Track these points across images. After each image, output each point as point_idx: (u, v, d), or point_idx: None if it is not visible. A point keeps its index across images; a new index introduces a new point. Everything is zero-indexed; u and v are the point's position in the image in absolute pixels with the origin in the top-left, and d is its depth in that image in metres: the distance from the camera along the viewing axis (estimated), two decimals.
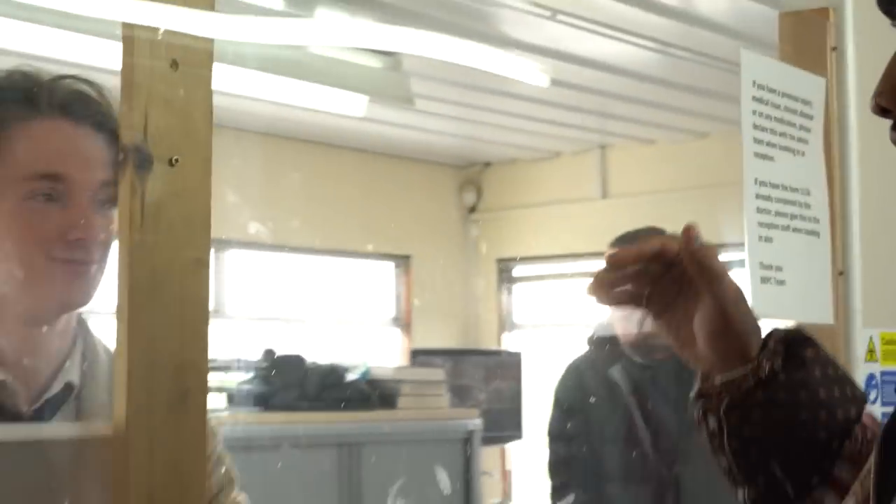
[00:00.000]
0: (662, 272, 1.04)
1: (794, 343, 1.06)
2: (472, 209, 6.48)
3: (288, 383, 4.18)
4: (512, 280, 6.49)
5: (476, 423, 4.54)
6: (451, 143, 5.71)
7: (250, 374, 4.21)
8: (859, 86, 1.75)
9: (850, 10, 1.77)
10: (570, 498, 3.21)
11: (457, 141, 5.68)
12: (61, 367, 1.32)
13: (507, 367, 5.45)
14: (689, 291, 1.05)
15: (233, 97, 4.34)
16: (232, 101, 4.50)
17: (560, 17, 3.70)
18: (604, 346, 3.23)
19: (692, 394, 1.10)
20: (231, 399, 4.39)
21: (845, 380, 1.08)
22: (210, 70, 1.02)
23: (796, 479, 1.05)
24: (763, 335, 1.07)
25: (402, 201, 6.01)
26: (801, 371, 1.05)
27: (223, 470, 1.52)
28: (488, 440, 5.13)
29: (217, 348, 3.66)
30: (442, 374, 4.64)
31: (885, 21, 0.85)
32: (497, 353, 5.76)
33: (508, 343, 6.20)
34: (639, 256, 1.03)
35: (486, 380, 5.35)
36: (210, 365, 3.51)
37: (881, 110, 0.87)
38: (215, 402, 4.51)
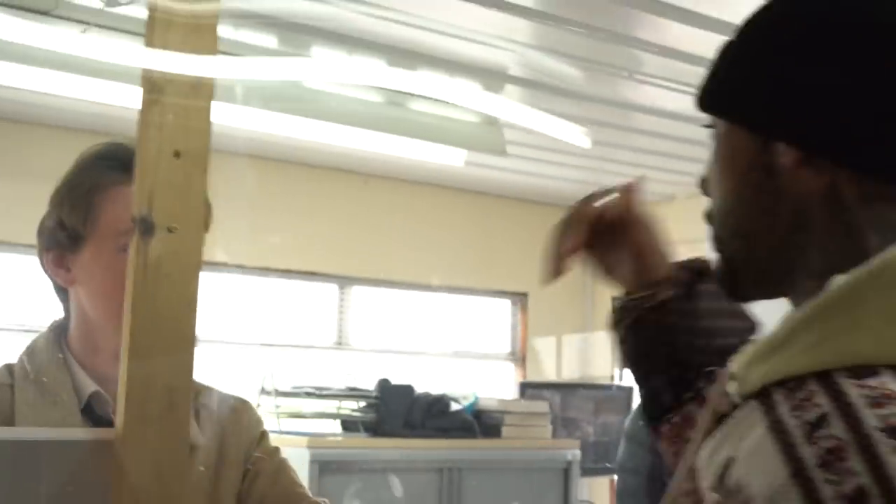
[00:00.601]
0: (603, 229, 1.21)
1: (696, 273, 1.20)
2: None
3: (395, 411, 4.45)
4: None
5: (576, 453, 4.69)
6: (568, 185, 5.89)
7: (363, 403, 4.47)
8: None
9: None
10: None
11: (575, 183, 5.86)
12: None
13: (616, 400, 5.57)
14: (620, 235, 1.20)
15: (355, 149, 4.63)
16: (354, 152, 4.82)
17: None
18: None
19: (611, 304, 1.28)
20: (345, 425, 4.67)
21: (734, 313, 1.19)
22: (206, 157, 1.26)
23: (672, 393, 1.18)
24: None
25: (519, 240, 6.21)
26: (690, 301, 1.18)
27: (268, 442, 1.76)
28: (594, 471, 5.25)
29: (335, 377, 3.97)
30: (546, 407, 4.80)
31: None
32: (608, 387, 5.84)
33: (621, 378, 6.28)
34: (588, 228, 1.20)
35: (594, 413, 5.48)
36: (327, 393, 3.88)
37: (703, 192, 1.01)
38: (330, 427, 4.81)
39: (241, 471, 1.69)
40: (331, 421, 4.89)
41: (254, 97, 3.59)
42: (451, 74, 3.68)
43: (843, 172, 0.86)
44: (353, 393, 4.50)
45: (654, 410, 1.23)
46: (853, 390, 0.76)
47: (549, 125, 4.15)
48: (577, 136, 4.28)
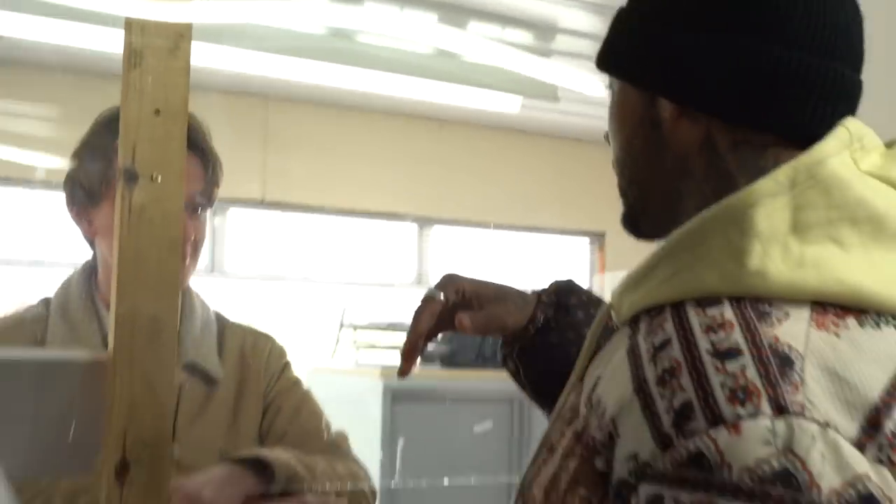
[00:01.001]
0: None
1: (561, 293, 1.30)
2: None
3: (468, 343, 4.61)
4: None
5: None
6: None
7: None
8: None
9: None
10: None
11: None
12: None
13: None
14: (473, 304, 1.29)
15: (426, 99, 4.73)
16: (426, 101, 4.93)
17: None
18: None
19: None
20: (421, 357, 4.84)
21: None
22: (185, 113, 1.39)
23: None
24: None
25: (597, 180, 6.22)
26: (567, 316, 1.27)
27: (290, 374, 1.81)
28: None
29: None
30: None
31: None
32: None
33: None
34: (425, 336, 1.30)
35: None
36: (402, 326, 4.07)
37: (608, 142, 1.09)
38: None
39: (262, 405, 1.74)
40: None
41: (313, 51, 3.69)
42: (502, 27, 3.74)
43: (716, 123, 0.94)
44: None
45: None
46: (694, 318, 0.84)
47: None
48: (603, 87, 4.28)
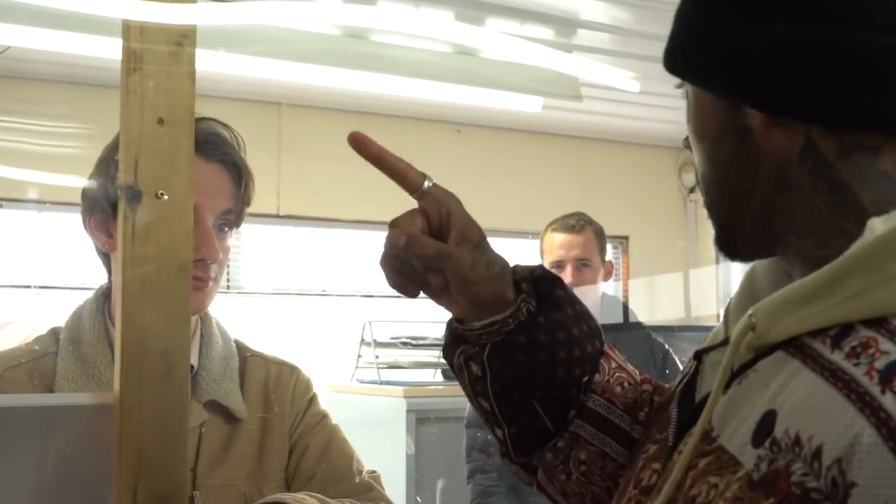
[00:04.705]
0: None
1: (543, 282, 1.09)
2: (692, 189, 6.48)
3: None
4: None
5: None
6: (670, 126, 5.79)
7: None
8: None
9: None
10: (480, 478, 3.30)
11: (676, 124, 5.77)
12: None
13: None
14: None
15: (444, 100, 4.61)
16: (443, 102, 4.82)
17: None
18: None
19: (444, 340, 1.12)
20: (445, 373, 4.74)
21: (587, 315, 1.11)
22: (191, 122, 1.26)
23: (556, 415, 1.07)
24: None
25: (619, 184, 6.14)
26: (556, 311, 1.07)
27: (317, 409, 1.72)
28: None
29: (436, 327, 4.03)
30: None
31: None
32: (711, 328, 5.76)
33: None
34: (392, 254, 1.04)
35: None
36: (424, 342, 3.95)
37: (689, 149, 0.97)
38: (431, 376, 4.87)
39: (288, 444, 1.66)
40: (430, 370, 4.94)
41: (326, 55, 3.61)
42: (521, 23, 3.65)
43: (816, 128, 0.83)
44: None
45: (532, 441, 1.10)
46: None
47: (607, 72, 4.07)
48: (628, 81, 4.19)
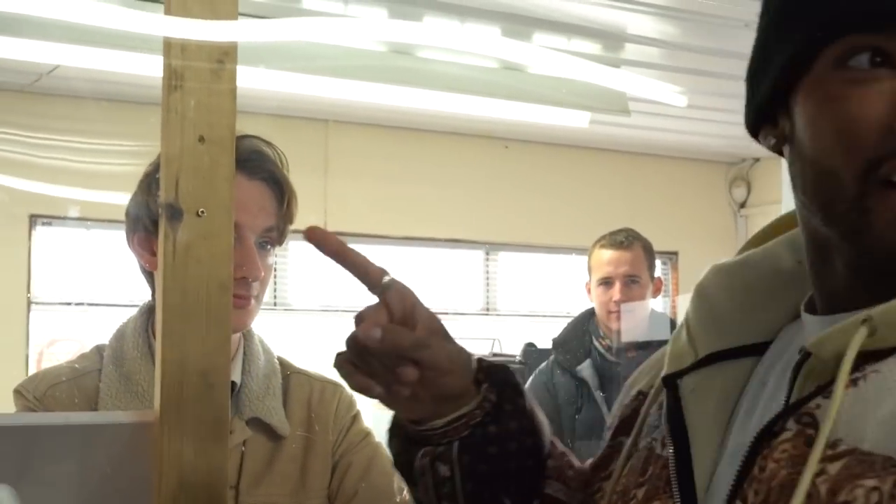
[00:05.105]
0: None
1: (496, 370, 1.02)
2: (743, 205, 6.44)
3: None
4: None
5: None
6: (720, 141, 5.74)
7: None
8: None
9: None
10: None
11: (726, 139, 5.72)
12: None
13: None
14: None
15: (490, 116, 4.62)
16: (490, 118, 4.83)
17: None
18: (569, 345, 3.28)
19: (394, 447, 1.06)
20: None
21: (535, 407, 1.05)
22: (232, 140, 1.26)
23: None
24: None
25: (668, 199, 6.09)
26: (518, 397, 1.02)
27: (360, 427, 1.71)
28: None
29: (482, 343, 4.00)
30: None
31: None
32: None
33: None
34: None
35: None
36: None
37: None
38: None
39: (331, 461, 1.65)
40: None
41: (371, 71, 3.62)
42: (568, 38, 3.63)
43: None
44: (497, 358, 4.50)
45: None
46: None
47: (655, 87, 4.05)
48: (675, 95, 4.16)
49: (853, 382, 0.79)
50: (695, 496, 0.86)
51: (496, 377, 1.01)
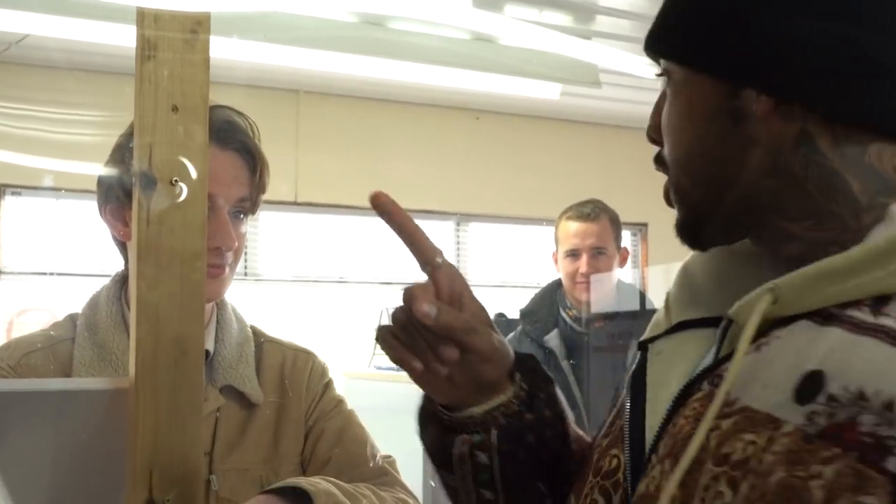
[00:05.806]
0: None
1: (525, 359, 1.05)
2: None
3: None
4: None
5: None
6: None
7: None
8: None
9: None
10: None
11: None
12: None
13: None
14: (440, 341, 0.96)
15: (461, 87, 4.61)
16: (461, 89, 4.82)
17: None
18: (537, 315, 3.30)
19: (429, 434, 1.06)
20: None
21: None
22: (205, 110, 1.27)
23: (557, 492, 1.05)
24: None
25: (637, 171, 6.11)
26: (550, 385, 1.05)
27: (333, 394, 1.72)
28: None
29: None
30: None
31: None
32: None
33: None
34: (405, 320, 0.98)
35: None
36: None
37: (651, 140, 1.00)
38: None
39: (304, 429, 1.66)
40: None
41: (343, 41, 3.61)
42: (539, 9, 3.64)
43: (813, 117, 0.86)
44: None
45: None
46: None
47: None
48: (646, 67, 4.17)
49: (758, 347, 0.85)
50: (644, 447, 0.91)
51: (525, 365, 1.04)
